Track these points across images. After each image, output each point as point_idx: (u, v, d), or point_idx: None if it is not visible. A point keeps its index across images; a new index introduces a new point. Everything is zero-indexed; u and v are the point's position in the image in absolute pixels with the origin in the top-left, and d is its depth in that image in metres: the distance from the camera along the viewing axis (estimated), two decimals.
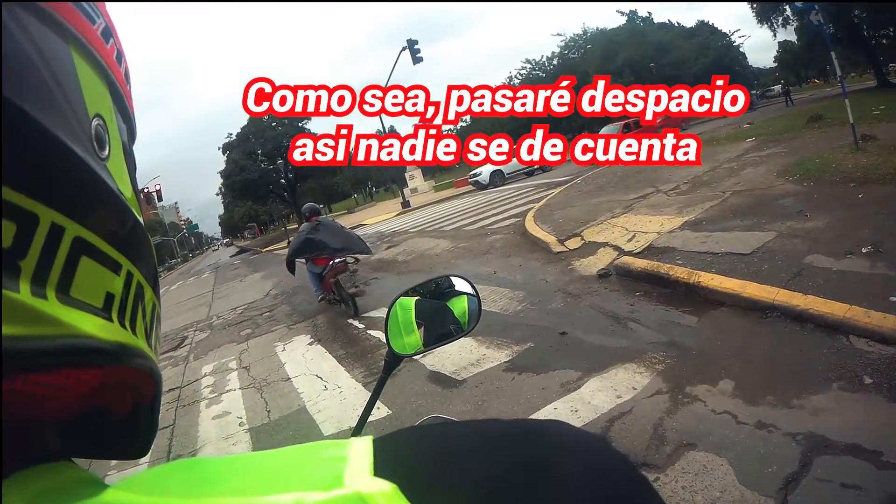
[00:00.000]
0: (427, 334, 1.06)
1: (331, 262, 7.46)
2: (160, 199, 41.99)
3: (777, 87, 66.77)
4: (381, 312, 6.75)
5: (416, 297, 1.11)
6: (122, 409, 0.39)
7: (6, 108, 0.27)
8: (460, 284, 1.16)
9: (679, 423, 2.98)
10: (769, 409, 2.92)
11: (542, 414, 3.44)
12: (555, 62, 64.14)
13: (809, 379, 3.10)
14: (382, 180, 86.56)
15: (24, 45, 0.30)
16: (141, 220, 0.43)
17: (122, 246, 0.38)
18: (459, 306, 1.11)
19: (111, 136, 0.40)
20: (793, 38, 46.32)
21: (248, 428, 4.69)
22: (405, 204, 30.00)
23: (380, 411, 3.98)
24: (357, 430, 1.02)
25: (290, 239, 8.61)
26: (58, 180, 0.32)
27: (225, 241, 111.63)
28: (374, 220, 27.01)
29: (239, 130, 54.92)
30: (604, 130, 25.76)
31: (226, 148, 55.14)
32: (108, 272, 0.37)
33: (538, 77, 62.96)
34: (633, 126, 23.89)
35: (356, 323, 7.00)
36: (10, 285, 0.28)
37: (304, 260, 7.77)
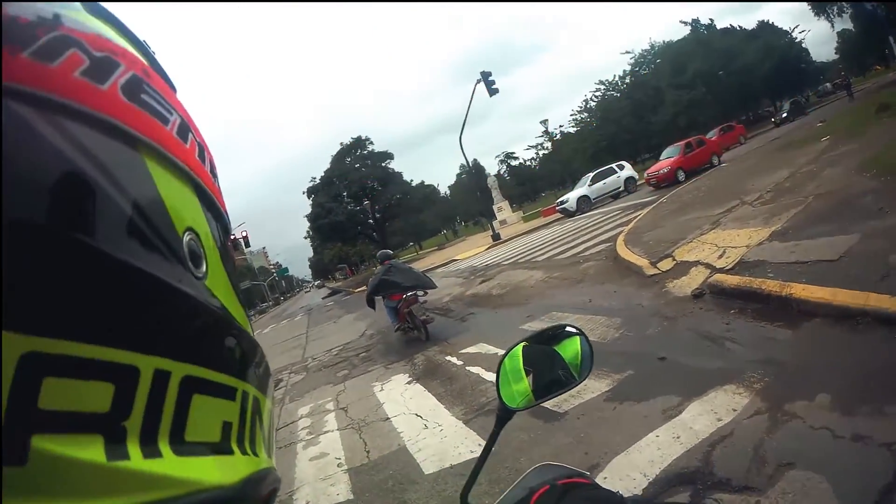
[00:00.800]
0: (536, 381, 1.02)
1: (403, 297, 8.85)
2: (248, 245, 43.28)
3: (827, 85, 64.12)
4: (479, 348, 7.00)
5: (524, 343, 1.07)
6: None
7: (75, 250, 0.25)
8: (570, 329, 1.11)
9: (778, 443, 2.97)
10: (864, 419, 2.87)
11: (644, 442, 3.45)
12: (627, 80, 63.36)
13: None
14: (471, 214, 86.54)
15: (82, 165, 0.26)
16: (248, 329, 0.41)
17: (231, 368, 0.36)
18: (570, 350, 1.06)
19: (206, 248, 0.36)
20: (850, 25, 44.69)
21: (347, 468, 4.71)
22: (495, 237, 30.10)
23: (481, 448, 4.07)
24: (468, 487, 1.01)
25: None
26: (155, 323, 0.29)
27: (316, 283, 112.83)
28: (466, 254, 27.12)
29: (322, 174, 56.08)
30: (665, 153, 26.29)
31: (310, 192, 56.21)
32: (223, 401, 0.35)
33: (613, 97, 62.60)
34: (696, 145, 25.11)
35: (454, 360, 7.07)
36: (118, 454, 0.25)
37: (381, 297, 9.27)
